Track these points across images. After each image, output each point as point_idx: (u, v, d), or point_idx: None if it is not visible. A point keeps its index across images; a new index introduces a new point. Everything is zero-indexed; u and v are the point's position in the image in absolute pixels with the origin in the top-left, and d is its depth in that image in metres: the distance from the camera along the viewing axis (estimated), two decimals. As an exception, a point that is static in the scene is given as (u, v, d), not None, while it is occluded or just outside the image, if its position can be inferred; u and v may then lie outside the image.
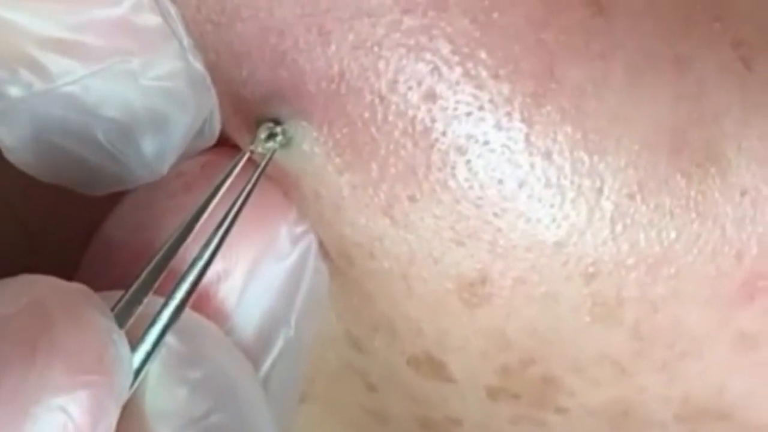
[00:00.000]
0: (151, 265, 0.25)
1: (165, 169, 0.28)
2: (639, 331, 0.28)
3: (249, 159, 0.27)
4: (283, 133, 0.27)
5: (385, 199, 0.27)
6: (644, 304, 0.27)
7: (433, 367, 0.29)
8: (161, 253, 0.25)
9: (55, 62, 0.26)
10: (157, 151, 0.27)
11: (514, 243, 0.27)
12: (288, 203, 0.28)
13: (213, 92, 0.27)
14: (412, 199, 0.27)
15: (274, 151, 0.27)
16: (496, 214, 0.27)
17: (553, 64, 0.26)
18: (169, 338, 0.25)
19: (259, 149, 0.27)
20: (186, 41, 0.27)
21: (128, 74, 0.26)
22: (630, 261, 0.27)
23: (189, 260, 0.26)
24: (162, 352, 0.25)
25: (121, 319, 0.25)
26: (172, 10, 0.27)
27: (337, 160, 0.27)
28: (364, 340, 0.30)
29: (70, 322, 0.23)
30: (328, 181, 0.27)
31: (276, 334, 0.28)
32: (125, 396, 0.24)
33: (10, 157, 0.27)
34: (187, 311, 0.26)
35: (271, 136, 0.27)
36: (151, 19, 0.26)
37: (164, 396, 0.25)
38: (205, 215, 0.26)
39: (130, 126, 0.27)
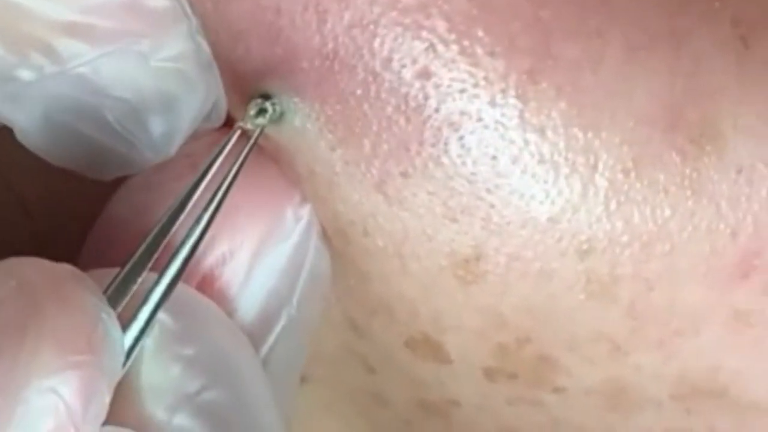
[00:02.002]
0: (145, 243, 0.25)
1: (173, 150, 0.28)
2: (634, 309, 0.28)
3: (247, 136, 0.27)
4: (273, 107, 0.27)
5: (377, 175, 0.27)
6: (639, 282, 0.27)
7: (430, 348, 0.29)
8: (154, 231, 0.26)
9: (65, 45, 0.26)
10: (165, 132, 0.27)
11: (507, 219, 0.27)
12: (292, 184, 0.28)
13: (217, 73, 0.28)
14: (404, 174, 0.27)
15: (264, 126, 0.27)
16: (489, 190, 0.27)
17: (549, 41, 0.26)
18: (162, 315, 0.25)
19: (249, 125, 0.27)
20: (194, 22, 0.27)
21: (138, 56, 0.26)
22: (624, 238, 0.27)
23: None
24: (155, 329, 0.25)
25: (115, 299, 0.25)
26: None
27: (330, 136, 0.27)
28: (363, 322, 0.30)
29: (57, 303, 0.23)
30: (321, 157, 0.27)
31: (278, 313, 0.28)
32: (118, 375, 0.24)
33: (23, 139, 0.28)
34: (183, 287, 0.26)
35: (261, 111, 0.27)
36: (160, 1, 0.26)
37: (157, 373, 0.25)
38: (198, 192, 0.26)
39: (139, 107, 0.27)
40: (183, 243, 0.26)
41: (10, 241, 0.31)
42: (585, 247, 0.27)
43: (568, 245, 0.27)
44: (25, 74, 0.26)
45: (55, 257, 0.25)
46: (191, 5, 0.27)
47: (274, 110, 0.27)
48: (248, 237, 0.28)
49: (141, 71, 0.27)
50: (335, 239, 0.29)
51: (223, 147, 0.26)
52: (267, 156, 0.28)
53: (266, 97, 0.27)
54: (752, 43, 0.27)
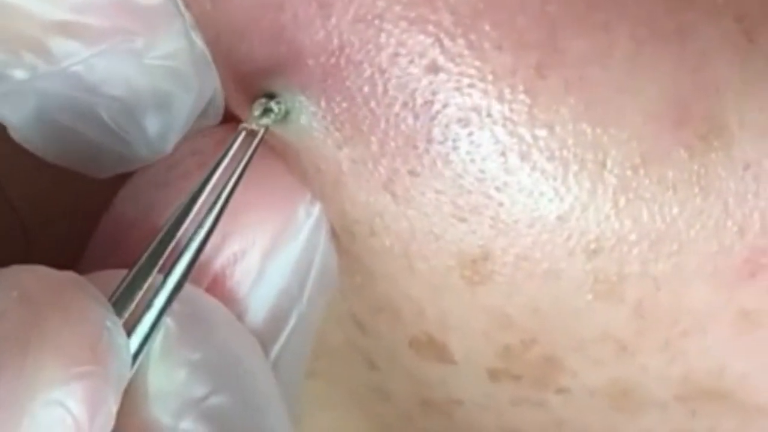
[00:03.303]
0: (151, 247, 0.25)
1: (168, 148, 0.28)
2: (641, 309, 0.28)
3: (253, 135, 0.27)
4: (278, 107, 0.26)
5: (385, 173, 0.27)
6: (646, 281, 0.27)
7: (434, 348, 0.29)
8: (160, 235, 0.25)
9: (58, 44, 0.26)
10: (160, 130, 0.27)
11: (516, 218, 0.27)
12: (303, 183, 0.28)
13: (215, 71, 0.27)
14: (413, 173, 0.26)
15: (267, 127, 0.26)
16: (498, 188, 0.26)
17: (556, 35, 0.26)
18: (168, 319, 0.25)
19: (254, 125, 0.27)
20: (188, 19, 0.27)
21: (131, 54, 0.26)
22: (632, 237, 0.27)
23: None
24: (160, 333, 0.25)
25: (122, 304, 0.24)
26: None
27: (337, 134, 0.27)
28: (368, 320, 0.30)
29: (60, 313, 0.23)
30: (327, 155, 0.27)
31: (289, 312, 0.28)
32: (124, 382, 0.24)
33: (16, 136, 0.27)
34: (189, 288, 0.25)
35: (266, 111, 0.26)
36: None
37: (163, 378, 0.25)
38: (205, 194, 0.26)
39: (133, 105, 0.27)
40: (188, 245, 0.25)
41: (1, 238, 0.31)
42: (593, 246, 0.27)
43: (576, 244, 0.27)
44: (18, 73, 0.26)
45: (46, 254, 0.25)
46: (188, 2, 0.27)
47: (279, 110, 0.27)
48: (260, 236, 0.27)
49: (135, 69, 0.26)
50: (342, 237, 0.28)
51: (228, 149, 0.26)
52: (277, 154, 0.27)
53: (271, 96, 0.27)
54: (756, 38, 0.26)
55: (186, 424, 0.24)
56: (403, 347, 0.29)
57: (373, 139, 0.26)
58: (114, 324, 0.24)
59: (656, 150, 0.26)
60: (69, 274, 0.24)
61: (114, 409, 0.23)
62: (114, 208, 0.28)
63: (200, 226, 0.25)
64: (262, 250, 0.27)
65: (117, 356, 0.23)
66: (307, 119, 0.27)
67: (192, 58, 0.27)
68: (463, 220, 0.27)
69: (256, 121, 0.26)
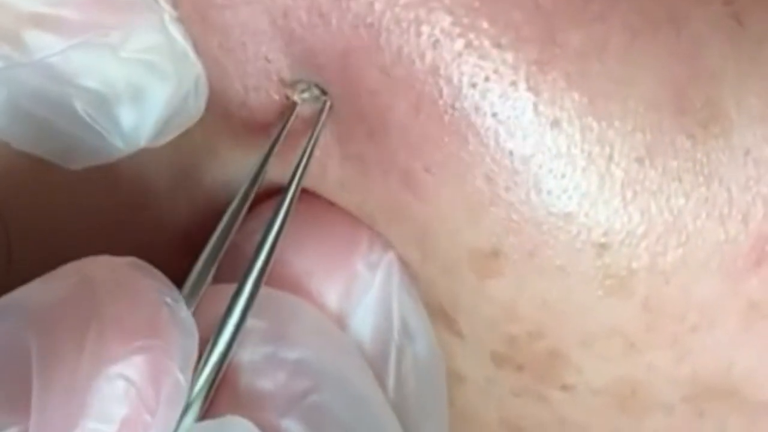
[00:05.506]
0: (212, 241, 0.26)
1: (142, 141, 0.28)
2: (650, 304, 0.27)
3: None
4: (321, 95, 0.27)
5: (403, 168, 0.27)
6: (655, 275, 0.27)
7: (444, 319, 0.29)
8: (220, 228, 0.26)
9: (34, 37, 0.26)
10: (134, 123, 0.27)
11: (525, 216, 0.26)
12: (356, 234, 0.28)
13: (198, 66, 0.27)
14: (427, 170, 0.26)
15: (326, 103, 0.27)
16: (507, 188, 0.26)
17: (553, 29, 0.26)
18: (263, 321, 0.26)
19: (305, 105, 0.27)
20: (167, 15, 0.27)
21: (107, 47, 0.26)
22: (641, 230, 0.27)
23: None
24: (258, 334, 0.26)
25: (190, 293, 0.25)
26: None
27: (364, 125, 0.27)
28: None
29: (117, 292, 0.24)
30: (356, 146, 0.27)
31: (387, 357, 0.28)
32: (192, 355, 0.24)
33: None
34: (283, 294, 0.27)
35: (313, 98, 0.27)
36: None
37: (263, 378, 0.25)
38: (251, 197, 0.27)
39: (108, 97, 0.27)
40: (265, 236, 0.26)
41: None
42: (603, 240, 0.27)
43: (585, 240, 0.27)
44: None
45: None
46: (190, 6, 0.27)
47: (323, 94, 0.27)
48: (327, 301, 0.28)
49: (110, 62, 0.27)
50: (362, 218, 0.29)
51: (286, 123, 0.27)
52: (319, 215, 0.28)
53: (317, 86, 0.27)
54: (745, 20, 0.27)
55: (288, 422, 0.25)
56: None
57: (393, 132, 0.26)
58: (174, 300, 0.24)
59: (660, 140, 0.26)
60: (128, 259, 0.25)
61: (183, 380, 0.24)
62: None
63: (273, 217, 0.26)
64: (331, 314, 0.28)
65: (179, 330, 0.24)
66: (340, 109, 0.27)
67: (170, 52, 0.27)
68: (474, 218, 0.27)
69: (309, 103, 0.27)
